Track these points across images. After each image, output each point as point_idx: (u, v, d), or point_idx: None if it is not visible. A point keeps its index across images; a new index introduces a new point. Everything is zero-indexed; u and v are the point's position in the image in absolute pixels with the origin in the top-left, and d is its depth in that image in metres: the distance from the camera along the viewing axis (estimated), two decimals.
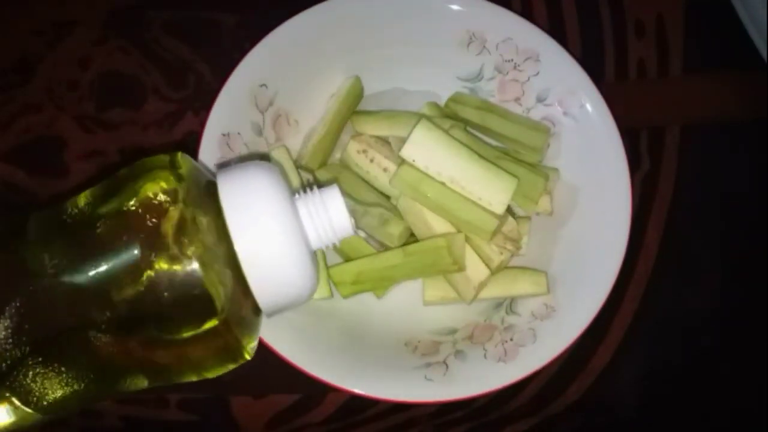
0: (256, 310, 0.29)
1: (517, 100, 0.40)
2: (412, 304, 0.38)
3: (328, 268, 0.37)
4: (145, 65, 0.43)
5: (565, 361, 0.40)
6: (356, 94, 0.39)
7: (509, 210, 0.37)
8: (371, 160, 0.37)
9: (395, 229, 0.36)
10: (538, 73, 0.39)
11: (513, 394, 0.40)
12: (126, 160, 0.42)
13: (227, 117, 0.36)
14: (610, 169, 0.37)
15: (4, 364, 0.26)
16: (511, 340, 0.36)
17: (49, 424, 0.38)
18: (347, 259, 0.37)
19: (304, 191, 0.31)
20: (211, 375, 0.29)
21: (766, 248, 0.43)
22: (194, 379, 0.29)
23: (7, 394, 0.26)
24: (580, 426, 0.41)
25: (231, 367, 0.29)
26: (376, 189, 0.38)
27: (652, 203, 0.43)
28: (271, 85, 0.38)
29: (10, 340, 0.26)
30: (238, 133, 0.37)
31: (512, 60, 0.39)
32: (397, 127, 0.37)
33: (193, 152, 0.35)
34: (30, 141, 0.42)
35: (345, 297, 0.37)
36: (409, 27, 0.39)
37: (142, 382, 0.29)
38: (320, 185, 0.32)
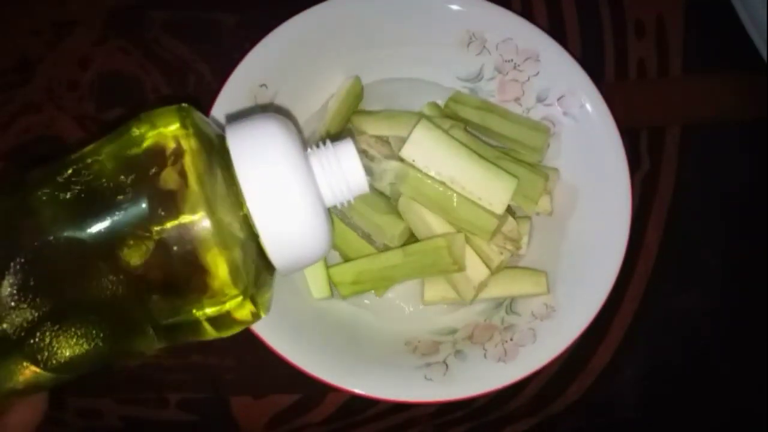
0: (270, 268, 0.28)
1: (517, 100, 0.40)
2: (412, 304, 0.38)
3: (328, 268, 0.37)
4: (145, 65, 0.43)
5: (565, 361, 0.40)
6: (356, 94, 0.39)
7: (509, 210, 0.37)
8: (371, 160, 0.37)
9: (395, 229, 0.36)
10: (538, 73, 0.39)
11: (513, 394, 0.40)
12: None
13: (227, 117, 0.36)
14: (610, 169, 0.37)
15: (10, 323, 0.25)
16: (511, 340, 0.36)
17: (49, 424, 0.38)
18: (347, 259, 0.37)
19: (317, 146, 0.30)
20: (224, 335, 0.28)
21: (766, 248, 0.43)
22: (208, 338, 0.28)
23: (16, 354, 0.25)
24: (580, 426, 0.41)
25: (245, 326, 0.28)
26: (376, 189, 0.38)
27: (652, 203, 0.43)
28: (271, 85, 0.38)
29: (16, 297, 0.25)
30: None
31: (512, 60, 0.39)
32: (397, 127, 0.37)
33: None
34: (30, 141, 0.42)
35: (345, 297, 0.37)
36: (409, 27, 0.39)
37: (155, 343, 0.28)
38: (333, 139, 0.30)
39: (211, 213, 0.25)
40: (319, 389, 0.35)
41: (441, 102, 0.40)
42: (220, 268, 0.25)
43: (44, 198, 0.26)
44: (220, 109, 0.36)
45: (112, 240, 0.25)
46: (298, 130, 0.30)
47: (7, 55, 0.43)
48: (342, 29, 0.39)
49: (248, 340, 0.33)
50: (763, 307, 0.42)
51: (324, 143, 0.30)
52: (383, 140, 0.38)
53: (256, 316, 0.28)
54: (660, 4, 0.46)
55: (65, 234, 0.25)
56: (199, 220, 0.25)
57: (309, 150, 0.29)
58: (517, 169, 0.36)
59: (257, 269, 0.28)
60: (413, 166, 0.34)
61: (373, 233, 0.37)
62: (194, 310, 0.26)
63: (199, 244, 0.25)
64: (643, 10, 0.46)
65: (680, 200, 0.43)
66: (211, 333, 0.28)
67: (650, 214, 0.43)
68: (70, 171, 0.27)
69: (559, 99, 0.39)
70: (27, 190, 0.26)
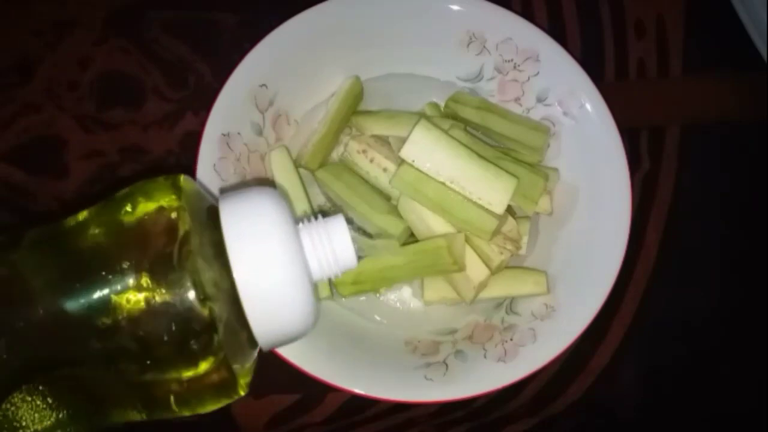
0: (252, 344, 0.28)
1: (517, 100, 0.40)
2: (412, 304, 0.38)
3: None
4: (145, 65, 0.43)
5: (565, 361, 0.40)
6: (356, 94, 0.39)
7: (509, 210, 0.37)
8: (371, 160, 0.37)
9: (395, 229, 0.36)
10: (538, 73, 0.39)
11: (513, 394, 0.40)
12: (125, 160, 0.42)
13: (227, 117, 0.36)
14: (610, 169, 0.37)
15: None
16: (511, 340, 0.36)
17: None
18: None
19: (308, 220, 0.30)
20: (204, 410, 0.28)
21: (766, 248, 0.43)
22: (187, 414, 0.28)
23: None
24: (580, 426, 0.41)
25: (225, 402, 0.28)
26: (376, 189, 0.38)
27: (652, 203, 0.43)
28: (271, 85, 0.38)
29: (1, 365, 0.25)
30: (238, 133, 0.37)
31: (512, 60, 0.39)
32: (397, 127, 0.37)
33: (193, 152, 0.35)
34: (30, 141, 0.42)
35: (345, 297, 0.37)
36: (409, 27, 0.39)
37: (135, 416, 0.28)
38: (325, 214, 0.31)
39: (198, 286, 0.25)
40: (319, 389, 0.35)
41: (441, 102, 0.40)
42: (203, 341, 0.26)
43: (35, 262, 0.26)
44: (220, 109, 0.36)
45: (97, 309, 0.25)
46: (289, 204, 0.31)
47: (7, 55, 0.43)
48: (342, 29, 0.39)
49: None
50: (763, 307, 0.42)
51: (315, 218, 0.30)
52: (383, 140, 0.38)
53: (235, 393, 0.28)
54: (660, 4, 0.46)
55: (54, 301, 0.25)
56: (185, 294, 0.25)
57: (300, 225, 0.30)
58: (517, 169, 0.36)
59: (240, 344, 0.28)
60: (413, 166, 0.34)
61: (373, 233, 0.37)
62: (174, 384, 0.27)
63: (184, 317, 0.25)
64: (643, 10, 0.46)
65: (680, 200, 0.43)
66: (190, 409, 0.28)
67: (650, 214, 0.43)
68: (61, 237, 0.27)
69: (559, 99, 0.39)
70: (21, 254, 0.26)
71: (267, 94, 0.38)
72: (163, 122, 0.43)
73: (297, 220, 0.30)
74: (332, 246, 0.29)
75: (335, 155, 0.40)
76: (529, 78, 0.39)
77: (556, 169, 0.38)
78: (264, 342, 0.28)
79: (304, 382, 0.33)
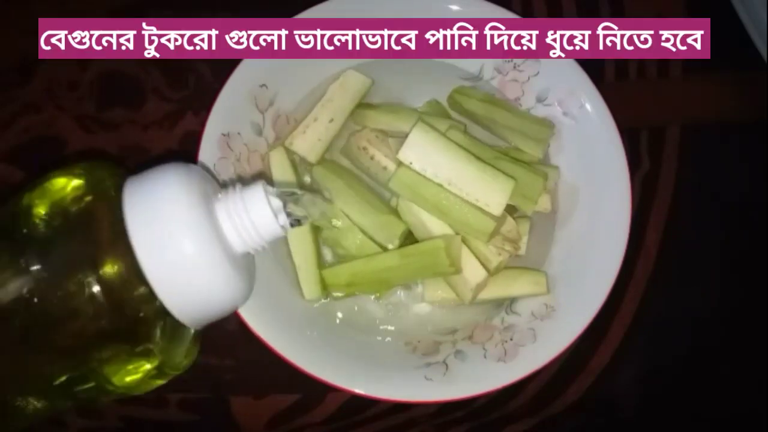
0: (176, 322, 0.27)
1: (517, 100, 0.40)
2: (411, 304, 0.38)
3: (320, 269, 0.37)
4: (145, 65, 0.43)
5: (565, 361, 0.40)
6: (363, 94, 0.39)
7: (509, 209, 0.37)
8: (371, 158, 0.37)
9: (396, 229, 0.36)
10: (538, 73, 0.39)
11: (513, 394, 0.40)
12: (125, 160, 0.42)
13: (227, 117, 0.36)
14: (610, 169, 0.37)
15: None
16: (511, 340, 0.36)
17: (49, 424, 0.38)
18: (352, 258, 0.37)
19: (227, 191, 0.29)
20: (139, 391, 0.28)
21: (766, 248, 0.43)
22: (115, 396, 0.28)
23: None
24: (580, 426, 0.41)
25: (160, 382, 0.28)
26: (377, 189, 0.38)
27: (652, 203, 0.43)
28: (271, 85, 0.38)
29: None
30: (238, 133, 0.37)
31: (512, 60, 0.39)
32: (397, 123, 0.37)
33: (193, 152, 0.35)
34: (30, 141, 0.42)
35: (338, 299, 0.37)
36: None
37: (55, 402, 0.27)
38: (245, 183, 0.30)
39: (104, 266, 0.25)
40: (319, 389, 0.35)
41: (441, 99, 0.40)
42: (121, 324, 0.25)
43: None
44: (220, 109, 0.36)
45: (6, 300, 0.25)
46: (203, 178, 0.29)
47: (7, 55, 0.43)
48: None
49: (248, 341, 0.33)
50: (763, 307, 0.42)
51: (234, 187, 0.29)
52: (383, 137, 0.38)
53: (163, 373, 0.28)
54: (660, 4, 0.46)
55: None
56: (89, 272, 0.25)
57: (219, 196, 0.29)
58: (515, 169, 0.36)
59: (158, 322, 0.27)
60: (411, 168, 0.34)
61: (373, 233, 0.37)
62: (98, 365, 0.26)
63: (87, 297, 0.25)
64: (643, 10, 0.46)
65: (680, 200, 0.43)
66: (117, 388, 0.27)
67: (650, 214, 0.43)
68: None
69: (559, 99, 0.39)
70: None
71: (267, 94, 0.38)
72: (163, 122, 0.43)
73: (218, 191, 0.29)
74: (249, 215, 0.28)
75: (335, 152, 0.40)
76: (529, 78, 0.39)
77: (556, 167, 0.38)
78: (188, 319, 0.27)
79: (304, 382, 0.33)
